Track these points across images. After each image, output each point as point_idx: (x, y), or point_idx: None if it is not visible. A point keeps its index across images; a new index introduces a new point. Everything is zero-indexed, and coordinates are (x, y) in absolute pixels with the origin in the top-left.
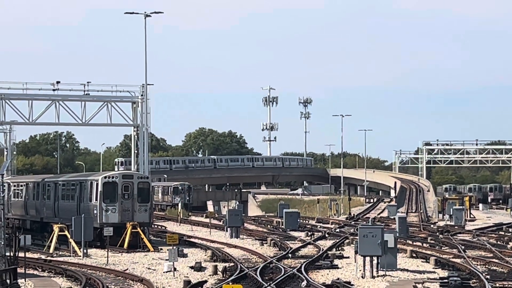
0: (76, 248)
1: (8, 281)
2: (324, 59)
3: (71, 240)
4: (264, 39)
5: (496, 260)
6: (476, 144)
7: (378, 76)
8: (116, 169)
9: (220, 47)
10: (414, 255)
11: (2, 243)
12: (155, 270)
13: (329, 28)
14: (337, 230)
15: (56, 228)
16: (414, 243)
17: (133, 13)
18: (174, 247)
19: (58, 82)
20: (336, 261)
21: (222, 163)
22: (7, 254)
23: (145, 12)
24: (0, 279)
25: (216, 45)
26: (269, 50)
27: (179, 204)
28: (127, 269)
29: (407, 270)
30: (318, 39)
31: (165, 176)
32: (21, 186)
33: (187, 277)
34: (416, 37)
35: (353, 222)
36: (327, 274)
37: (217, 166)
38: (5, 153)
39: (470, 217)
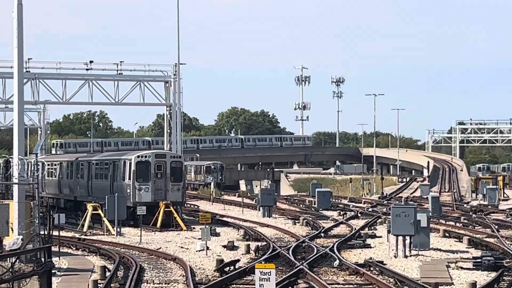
0: (110, 227)
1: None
2: (356, 37)
3: (104, 219)
4: (297, 17)
5: None
6: (510, 123)
7: (411, 54)
8: (53, 152)
9: (253, 25)
10: (447, 234)
11: (37, 221)
12: (188, 249)
13: (361, 5)
14: (370, 209)
15: (89, 207)
16: (447, 223)
17: None
18: (207, 226)
19: (91, 62)
20: (369, 241)
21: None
22: (42, 232)
23: None
24: (34, 257)
25: (249, 23)
26: (302, 29)
27: (212, 183)
28: (160, 247)
29: (440, 250)
30: (351, 17)
31: (198, 155)
32: (55, 165)
33: (220, 256)
34: (450, 14)
35: (386, 202)
36: (360, 253)
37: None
38: (39, 132)
39: (503, 196)
